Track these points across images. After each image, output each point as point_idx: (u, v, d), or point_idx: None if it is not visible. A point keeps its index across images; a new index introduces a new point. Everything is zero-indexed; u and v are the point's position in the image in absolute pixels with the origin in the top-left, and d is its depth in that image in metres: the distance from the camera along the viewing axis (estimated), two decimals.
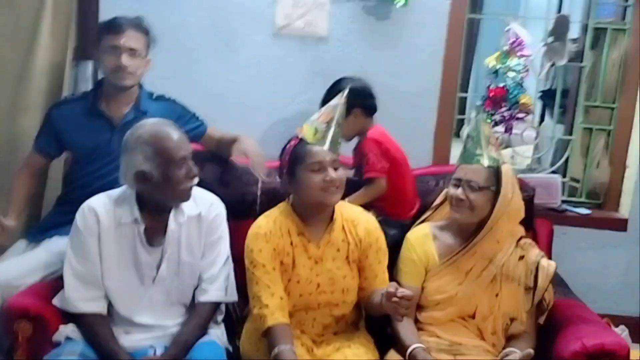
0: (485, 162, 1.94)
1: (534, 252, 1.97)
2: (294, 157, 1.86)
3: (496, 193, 1.92)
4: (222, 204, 1.97)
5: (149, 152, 1.74)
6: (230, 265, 1.98)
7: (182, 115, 2.25)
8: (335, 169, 1.84)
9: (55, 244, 2.06)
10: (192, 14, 2.53)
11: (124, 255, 1.83)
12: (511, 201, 1.94)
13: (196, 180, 1.81)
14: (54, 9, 2.35)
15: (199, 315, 1.88)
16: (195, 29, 2.55)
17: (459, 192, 1.93)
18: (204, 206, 1.91)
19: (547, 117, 3.78)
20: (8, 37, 2.32)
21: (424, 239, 2.03)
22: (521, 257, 1.96)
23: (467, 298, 1.95)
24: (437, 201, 2.15)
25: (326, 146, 1.83)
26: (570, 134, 2.93)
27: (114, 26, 2.10)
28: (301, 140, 1.87)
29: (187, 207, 1.87)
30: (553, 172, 2.90)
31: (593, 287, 2.69)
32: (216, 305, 1.93)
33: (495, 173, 1.93)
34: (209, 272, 1.91)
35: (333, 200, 1.86)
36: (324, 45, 2.59)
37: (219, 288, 1.92)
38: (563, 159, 2.88)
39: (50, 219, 2.21)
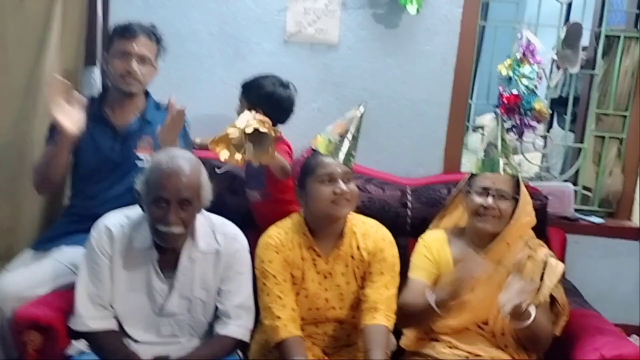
0: (510, 170, 1.93)
1: (542, 251, 1.96)
2: (305, 169, 1.84)
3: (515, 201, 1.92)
4: (245, 239, 1.88)
5: (147, 175, 1.70)
6: (252, 307, 1.87)
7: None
8: (347, 182, 1.81)
9: (64, 254, 2.03)
10: (201, 21, 2.51)
11: (136, 280, 1.78)
12: (525, 209, 1.94)
13: (177, 230, 1.68)
14: (63, 15, 2.32)
15: (215, 345, 1.80)
16: (204, 37, 2.53)
17: (489, 201, 1.90)
18: (224, 242, 1.83)
19: (555, 125, 3.76)
20: (17, 44, 2.29)
21: (440, 242, 2.02)
22: (529, 257, 1.93)
23: (480, 303, 1.91)
24: (446, 208, 2.15)
25: (339, 158, 1.81)
26: (581, 141, 2.90)
27: (128, 31, 2.08)
28: (314, 151, 1.85)
29: (204, 242, 1.80)
30: (563, 180, 2.86)
31: (605, 296, 2.63)
32: (236, 343, 1.83)
33: (517, 182, 1.94)
34: (227, 305, 1.82)
35: (342, 212, 1.82)
36: (334, 53, 2.56)
37: (241, 325, 1.83)
38: (575, 168, 2.85)
39: (57, 229, 2.17)
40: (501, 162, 1.93)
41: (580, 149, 2.88)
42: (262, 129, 1.77)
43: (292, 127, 2.27)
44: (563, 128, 3.10)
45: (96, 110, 2.14)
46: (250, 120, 1.78)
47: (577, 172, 2.89)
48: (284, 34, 2.55)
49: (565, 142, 2.96)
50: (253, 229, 2.09)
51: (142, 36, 2.09)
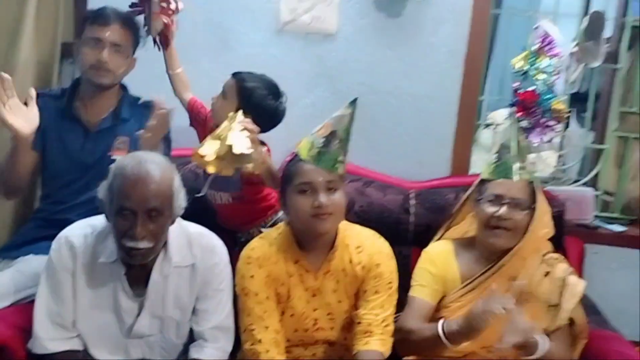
0: (526, 176, 1.78)
1: (561, 268, 1.80)
2: (285, 176, 1.67)
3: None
4: (225, 252, 1.72)
5: (110, 182, 1.54)
6: (231, 328, 1.73)
7: None
8: (332, 192, 1.62)
9: (29, 264, 1.89)
10: (185, 9, 2.30)
11: (102, 297, 1.64)
12: (543, 220, 1.82)
13: (145, 244, 1.51)
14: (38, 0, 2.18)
15: None
16: (188, 26, 2.36)
17: (503, 211, 1.75)
18: (200, 255, 1.67)
19: (572, 124, 3.57)
20: None
21: (446, 255, 1.87)
22: (547, 273, 1.79)
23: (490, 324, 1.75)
24: (453, 217, 2.01)
25: (322, 165, 1.62)
26: (601, 142, 2.72)
27: (100, 17, 1.93)
28: (296, 156, 1.67)
29: (178, 255, 1.64)
30: (576, 180, 2.71)
31: (626, 311, 2.45)
32: None
33: (533, 189, 1.81)
34: (203, 326, 1.68)
35: (324, 228, 1.64)
36: (329, 44, 2.41)
37: (219, 348, 1.68)
38: (595, 170, 2.67)
39: (24, 234, 2.02)
40: (516, 166, 1.78)
41: (599, 150, 2.71)
42: (248, 151, 1.63)
43: (282, 125, 2.10)
44: (583, 126, 2.90)
45: (65, 104, 1.99)
46: (240, 138, 1.64)
47: (596, 175, 2.71)
48: (276, 23, 2.41)
49: (584, 142, 2.78)
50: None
51: (116, 23, 1.94)
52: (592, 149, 2.78)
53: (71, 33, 2.39)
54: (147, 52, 2.07)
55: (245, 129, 1.67)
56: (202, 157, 1.65)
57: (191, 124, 2.17)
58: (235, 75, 1.99)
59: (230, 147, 1.62)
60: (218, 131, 1.68)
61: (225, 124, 1.69)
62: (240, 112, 1.73)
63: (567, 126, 3.05)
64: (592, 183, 2.71)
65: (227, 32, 2.40)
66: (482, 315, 1.59)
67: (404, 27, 2.40)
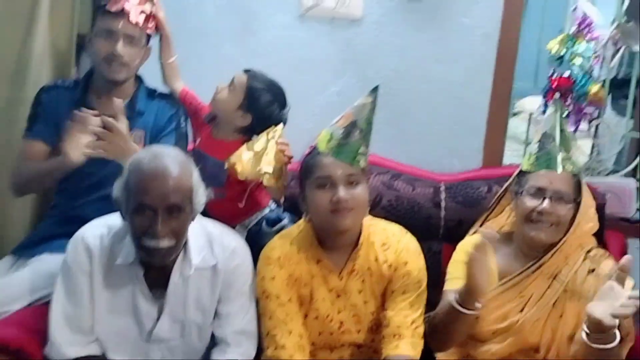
0: (571, 167, 1.71)
1: (608, 265, 1.72)
2: (303, 170, 1.61)
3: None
4: (247, 252, 1.67)
5: (126, 179, 1.48)
6: (255, 332, 1.67)
7: (165, 128, 1.97)
8: (353, 186, 1.55)
9: (44, 264, 1.84)
10: None
11: (120, 300, 1.59)
12: (587, 213, 1.76)
13: (167, 243, 1.46)
14: None
15: None
16: (210, 10, 2.32)
17: (546, 205, 1.67)
18: (222, 256, 1.61)
19: (609, 110, 3.45)
20: (3, 20, 2.11)
21: None
22: (591, 271, 1.72)
23: (529, 325, 1.71)
24: (490, 210, 1.95)
25: (342, 157, 1.55)
26: None
27: None
28: (315, 148, 1.60)
29: (199, 256, 1.58)
30: (615, 171, 2.59)
31: None
32: None
33: (578, 181, 1.74)
34: (226, 330, 1.62)
35: (344, 224, 1.56)
36: (357, 28, 2.31)
37: (242, 354, 1.62)
38: (637, 161, 2.53)
39: (40, 231, 1.98)
40: (559, 157, 1.71)
41: (638, 139, 2.60)
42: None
43: (308, 115, 2.10)
44: (620, 114, 2.77)
45: (80, 96, 1.94)
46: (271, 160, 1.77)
47: (635, 166, 2.56)
48: (300, 7, 2.31)
49: (624, 130, 2.66)
50: None
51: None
52: (632, 138, 2.66)
53: (89, 24, 2.30)
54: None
55: (281, 151, 1.76)
56: (234, 164, 1.74)
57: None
58: (247, 71, 1.95)
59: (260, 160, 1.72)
60: (255, 144, 1.75)
61: (263, 137, 1.74)
62: (280, 130, 1.77)
63: (602, 113, 2.96)
64: (632, 174, 2.57)
65: (251, 15, 2.32)
66: (475, 265, 1.53)
67: (434, 8, 2.29)
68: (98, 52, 1.87)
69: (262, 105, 1.91)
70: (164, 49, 2.05)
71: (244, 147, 1.79)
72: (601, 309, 1.43)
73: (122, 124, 1.78)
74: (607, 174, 2.62)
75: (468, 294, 1.55)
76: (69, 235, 1.65)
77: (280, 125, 1.82)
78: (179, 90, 2.07)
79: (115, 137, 1.76)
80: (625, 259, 1.47)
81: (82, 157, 1.75)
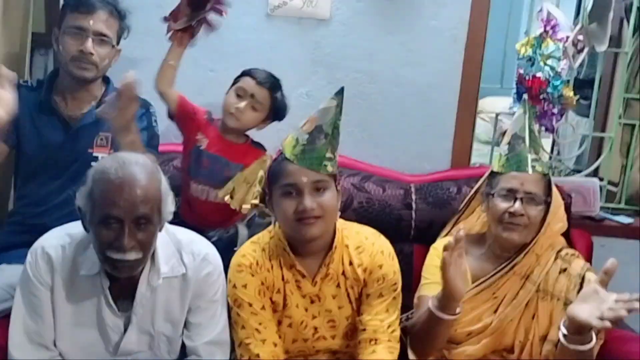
0: (540, 168, 1.71)
1: (579, 264, 1.75)
2: (270, 175, 1.56)
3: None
4: (218, 259, 1.60)
5: (91, 188, 1.40)
6: (227, 341, 1.62)
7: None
8: (320, 192, 1.51)
9: (2, 276, 1.77)
10: None
11: (84, 313, 1.50)
12: (557, 214, 1.78)
13: (134, 256, 1.39)
14: None
15: None
16: (171, 9, 2.16)
17: (517, 206, 1.67)
18: (192, 263, 1.54)
19: (570, 111, 3.50)
20: None
21: None
22: (563, 270, 1.74)
23: (503, 326, 1.73)
24: (462, 212, 1.96)
25: (306, 163, 1.50)
26: (603, 130, 2.64)
27: (83, 4, 1.81)
28: (281, 154, 1.55)
29: (167, 265, 1.51)
30: (578, 171, 2.63)
31: None
32: None
33: (548, 182, 1.75)
34: (197, 341, 1.56)
35: (310, 234, 1.52)
36: (325, 29, 2.29)
37: None
38: (600, 160, 2.59)
39: None
40: (529, 158, 1.72)
41: (600, 139, 2.64)
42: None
43: None
44: (581, 115, 2.81)
45: (44, 97, 1.87)
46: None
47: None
48: (267, 7, 2.27)
49: (584, 130, 2.70)
50: None
51: (101, 10, 1.82)
52: (592, 138, 2.68)
53: (43, 23, 2.26)
54: (130, 41, 1.96)
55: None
56: (227, 196, 1.72)
57: (171, 118, 2.04)
58: (263, 84, 1.94)
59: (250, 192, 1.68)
60: (247, 174, 1.71)
61: (254, 167, 1.70)
62: (269, 159, 1.72)
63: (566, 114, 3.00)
64: (593, 173, 2.62)
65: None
66: (448, 265, 1.51)
67: (403, 10, 2.28)
68: (66, 50, 1.80)
69: (284, 108, 1.99)
70: (174, 49, 1.97)
71: (236, 177, 1.76)
72: (587, 312, 1.43)
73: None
74: (567, 174, 2.67)
75: (447, 299, 1.53)
76: (28, 244, 1.57)
77: (269, 154, 1.78)
78: (175, 96, 1.99)
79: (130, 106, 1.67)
80: (610, 262, 1.47)
81: (4, 115, 1.58)
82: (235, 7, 2.21)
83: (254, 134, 2.02)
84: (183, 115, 2.01)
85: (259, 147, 2.01)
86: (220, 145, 1.97)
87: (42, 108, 1.85)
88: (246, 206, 1.70)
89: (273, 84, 1.95)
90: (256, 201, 1.63)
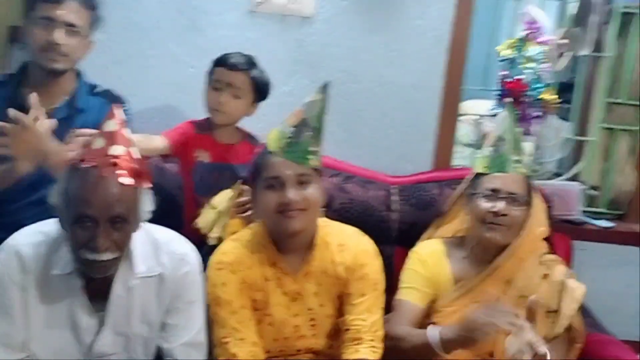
0: (522, 169, 1.73)
1: (560, 270, 1.76)
2: (253, 169, 1.55)
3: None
4: (197, 257, 1.56)
5: (65, 186, 1.36)
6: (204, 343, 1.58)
7: None
8: (304, 186, 1.50)
9: None
10: None
11: (57, 314, 1.45)
12: (538, 217, 1.79)
13: (109, 256, 1.34)
14: None
15: None
16: (154, 5, 2.22)
17: (500, 206, 1.68)
18: (169, 263, 1.50)
19: (552, 115, 3.53)
20: None
21: (437, 255, 1.80)
22: (545, 276, 1.74)
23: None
24: (445, 214, 1.95)
25: (291, 157, 1.50)
26: (584, 134, 2.65)
27: None
28: (265, 148, 1.54)
29: (144, 264, 1.46)
30: (558, 174, 2.65)
31: (613, 309, 2.38)
32: None
33: (530, 183, 1.76)
34: (173, 343, 1.52)
35: (292, 227, 1.51)
36: (308, 28, 2.28)
37: None
38: (581, 164, 2.61)
39: None
40: (512, 159, 1.73)
41: (581, 143, 2.65)
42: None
43: (258, 115, 2.00)
44: (562, 118, 2.83)
45: (12, 92, 1.82)
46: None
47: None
48: (250, 3, 2.25)
49: (565, 134, 2.70)
50: None
51: (71, 0, 1.77)
52: (573, 142, 2.70)
53: (19, 15, 2.17)
54: (106, 34, 1.94)
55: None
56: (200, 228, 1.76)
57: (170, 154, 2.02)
58: (234, 67, 1.91)
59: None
60: (216, 202, 1.76)
61: (223, 196, 1.76)
62: (238, 189, 1.78)
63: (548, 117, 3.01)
64: (574, 177, 2.64)
65: (197, 12, 2.25)
66: (484, 327, 1.48)
67: (388, 9, 2.28)
68: (35, 40, 1.75)
69: (267, 84, 1.97)
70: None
71: (208, 207, 1.79)
72: (512, 345, 1.47)
73: (36, 119, 1.61)
74: (549, 178, 2.66)
75: (458, 345, 1.54)
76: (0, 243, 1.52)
77: (240, 185, 1.78)
78: (164, 142, 1.94)
79: (25, 133, 1.59)
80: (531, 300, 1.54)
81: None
82: (217, 3, 2.24)
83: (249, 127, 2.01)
84: (179, 145, 1.97)
85: (256, 142, 1.99)
86: (220, 152, 1.95)
87: (12, 103, 1.77)
88: (214, 235, 1.73)
89: (247, 64, 1.92)
90: (222, 234, 1.69)
